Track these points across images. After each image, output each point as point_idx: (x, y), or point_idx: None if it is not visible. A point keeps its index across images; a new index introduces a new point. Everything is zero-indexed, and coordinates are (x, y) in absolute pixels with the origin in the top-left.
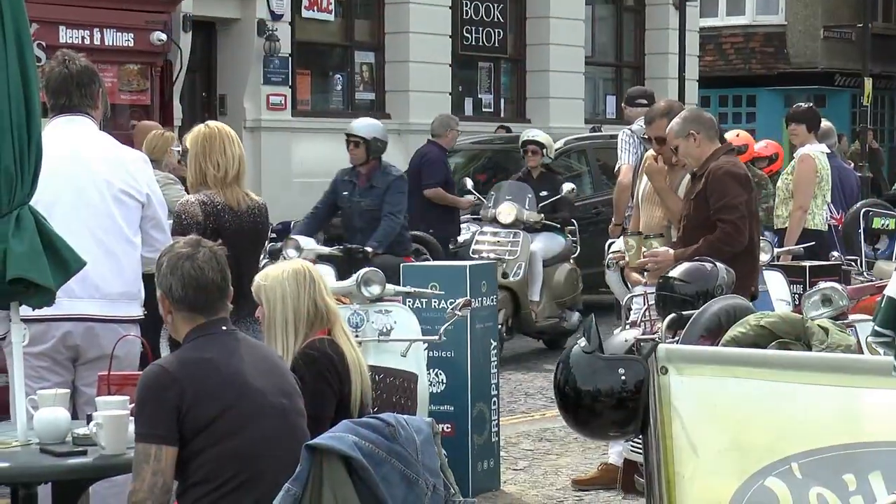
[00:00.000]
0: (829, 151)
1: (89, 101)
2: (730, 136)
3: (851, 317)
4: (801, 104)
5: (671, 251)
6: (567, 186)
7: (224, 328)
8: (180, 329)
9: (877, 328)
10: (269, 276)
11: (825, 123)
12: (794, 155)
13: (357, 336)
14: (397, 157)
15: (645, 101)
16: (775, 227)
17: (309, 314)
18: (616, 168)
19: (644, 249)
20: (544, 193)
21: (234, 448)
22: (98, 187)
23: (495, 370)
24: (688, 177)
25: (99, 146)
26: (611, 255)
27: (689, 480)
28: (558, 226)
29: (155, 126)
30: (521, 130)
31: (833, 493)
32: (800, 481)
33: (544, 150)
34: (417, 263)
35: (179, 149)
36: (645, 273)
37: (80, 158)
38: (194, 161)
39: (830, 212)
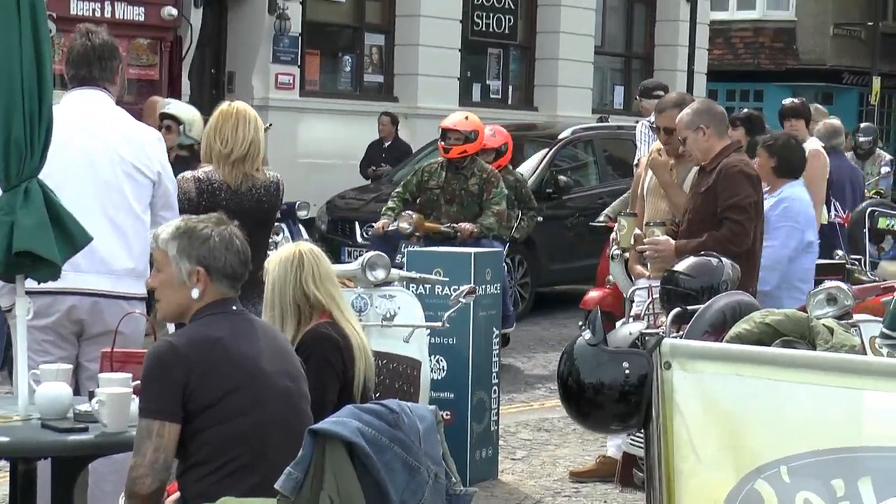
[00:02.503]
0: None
1: (108, 75)
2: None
3: (856, 317)
4: (793, 99)
5: (672, 241)
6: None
7: (234, 308)
8: (194, 304)
9: (885, 330)
10: (272, 260)
11: (834, 121)
12: None
13: (360, 320)
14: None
15: (661, 93)
16: None
17: (296, 300)
18: (635, 161)
19: (636, 234)
20: None
21: (238, 429)
22: (111, 161)
23: (496, 358)
24: (694, 170)
25: (114, 120)
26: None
27: (688, 477)
28: None
29: None
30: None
31: (820, 498)
32: (787, 485)
33: (182, 128)
34: (421, 249)
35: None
36: (648, 265)
37: (93, 132)
38: (206, 135)
39: (836, 210)
